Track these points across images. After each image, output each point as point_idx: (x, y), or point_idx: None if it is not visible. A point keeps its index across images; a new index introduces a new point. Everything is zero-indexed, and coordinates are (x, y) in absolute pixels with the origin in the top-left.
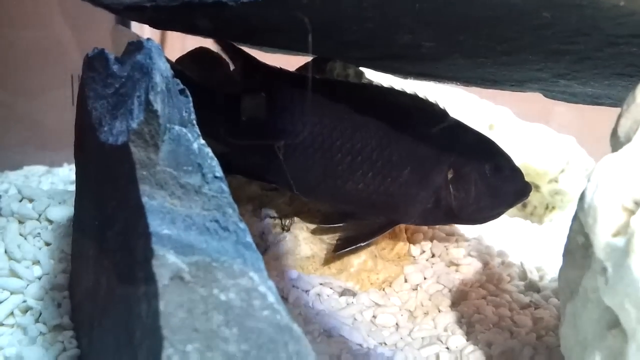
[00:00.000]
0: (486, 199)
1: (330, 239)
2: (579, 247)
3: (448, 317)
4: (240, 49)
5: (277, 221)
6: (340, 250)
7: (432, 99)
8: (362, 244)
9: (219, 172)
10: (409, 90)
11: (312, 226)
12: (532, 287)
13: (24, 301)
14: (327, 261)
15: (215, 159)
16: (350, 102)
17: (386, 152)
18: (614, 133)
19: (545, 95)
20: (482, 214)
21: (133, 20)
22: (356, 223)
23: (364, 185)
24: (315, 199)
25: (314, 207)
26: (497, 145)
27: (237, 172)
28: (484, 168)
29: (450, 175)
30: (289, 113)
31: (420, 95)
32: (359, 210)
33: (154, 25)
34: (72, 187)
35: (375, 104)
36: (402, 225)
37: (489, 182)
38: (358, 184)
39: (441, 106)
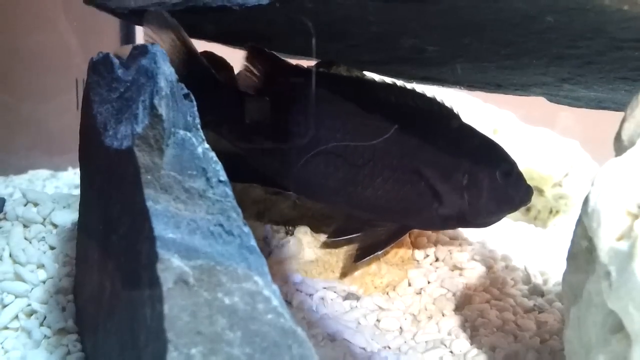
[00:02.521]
0: (495, 203)
1: (341, 248)
2: (582, 251)
3: (452, 321)
4: (265, 50)
5: (281, 225)
6: (359, 261)
7: (447, 103)
8: (380, 252)
9: (223, 176)
10: (428, 93)
11: (320, 236)
12: (536, 291)
13: (29, 305)
14: (345, 273)
15: (220, 163)
16: (372, 103)
17: (406, 158)
18: (618, 137)
19: (549, 100)
20: (490, 218)
21: (138, 25)
22: (370, 231)
23: (383, 192)
24: (333, 206)
25: (318, 212)
26: (504, 150)
27: (251, 180)
28: (495, 173)
29: (465, 181)
30: (310, 116)
31: (438, 98)
32: (375, 217)
33: None
34: (77, 191)
35: (397, 107)
36: None
37: (498, 187)
38: (378, 190)
39: (455, 110)
